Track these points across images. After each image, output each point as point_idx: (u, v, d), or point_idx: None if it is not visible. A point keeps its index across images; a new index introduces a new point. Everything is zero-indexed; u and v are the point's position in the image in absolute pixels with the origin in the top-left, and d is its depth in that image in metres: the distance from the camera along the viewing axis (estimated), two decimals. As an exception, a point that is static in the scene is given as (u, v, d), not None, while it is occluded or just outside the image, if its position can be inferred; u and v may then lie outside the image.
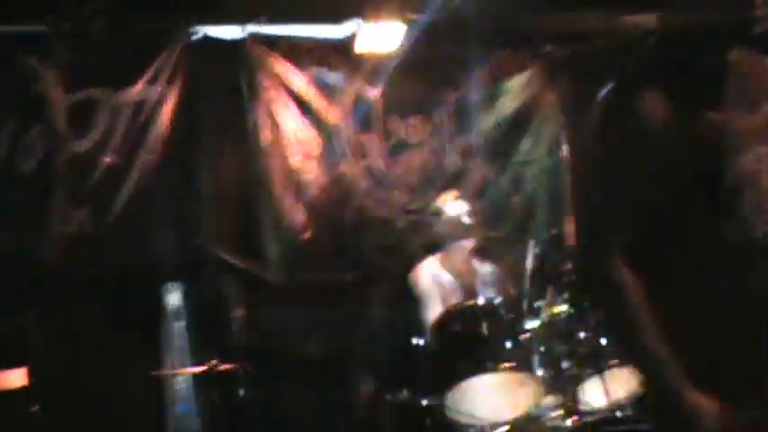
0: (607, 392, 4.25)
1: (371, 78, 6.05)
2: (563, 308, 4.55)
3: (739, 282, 2.17)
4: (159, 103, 5.46)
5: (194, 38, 5.58)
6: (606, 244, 2.11)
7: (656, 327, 2.15)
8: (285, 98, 5.85)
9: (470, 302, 4.78)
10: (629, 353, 2.34)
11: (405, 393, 4.69)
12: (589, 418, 4.40)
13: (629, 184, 2.05)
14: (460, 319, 4.63)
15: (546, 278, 5.18)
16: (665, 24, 5.64)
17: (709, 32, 2.12)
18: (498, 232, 6.10)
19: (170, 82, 5.47)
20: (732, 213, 2.06)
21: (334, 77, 6.02)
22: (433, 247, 5.40)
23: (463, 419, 4.44)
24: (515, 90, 6.46)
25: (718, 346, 2.17)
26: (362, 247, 5.95)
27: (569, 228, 6.25)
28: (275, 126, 5.83)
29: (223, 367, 4.67)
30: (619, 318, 2.27)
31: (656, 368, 2.17)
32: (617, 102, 2.06)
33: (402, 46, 5.84)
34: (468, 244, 5.33)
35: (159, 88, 5.46)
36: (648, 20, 6.27)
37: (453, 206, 5.39)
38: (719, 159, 2.01)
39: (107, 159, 5.33)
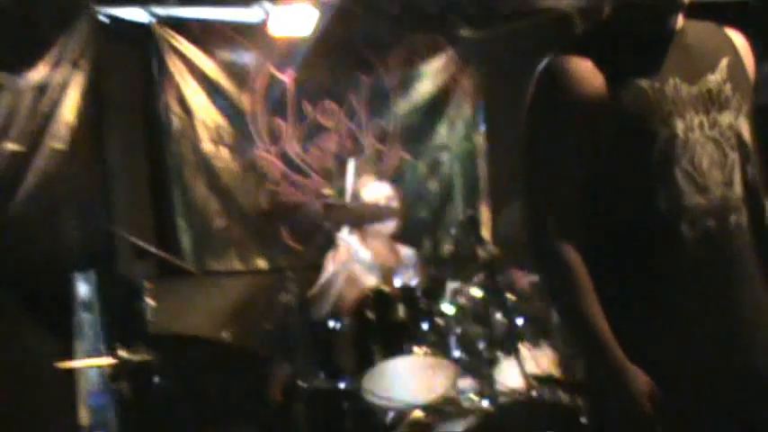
0: (523, 374, 4.23)
1: (284, 62, 5.96)
2: (478, 291, 4.54)
3: (672, 250, 2.14)
4: (64, 86, 5.26)
5: (101, 19, 5.42)
6: (543, 220, 2.08)
7: (596, 302, 2.12)
8: (195, 82, 5.73)
9: (387, 286, 4.73)
10: (570, 329, 2.29)
11: (320, 378, 4.63)
12: (505, 400, 4.38)
13: (564, 158, 2.03)
14: (377, 302, 4.57)
15: (462, 261, 5.17)
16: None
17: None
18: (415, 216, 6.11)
19: (75, 65, 5.28)
20: (664, 182, 2.04)
21: (245, 61, 5.91)
22: (352, 228, 5.33)
23: (380, 403, 4.39)
24: (431, 74, 6.43)
25: (655, 320, 2.14)
26: (277, 233, 5.88)
27: (485, 211, 6.28)
28: (186, 111, 5.71)
29: (136, 357, 4.55)
30: (561, 295, 2.22)
31: (595, 342, 2.14)
32: (550, 74, 2.05)
33: (315, 29, 5.75)
34: (388, 227, 5.28)
35: (63, 72, 5.26)
36: (569, 2, 6.31)
37: (372, 189, 5.34)
38: (653, 128, 1.99)
39: (9, 146, 5.13)
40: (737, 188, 2.23)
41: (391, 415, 4.42)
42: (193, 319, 5.38)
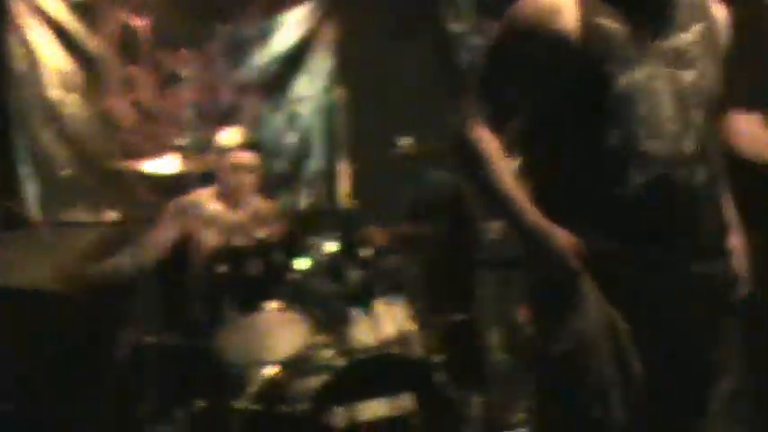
0: (378, 330, 4.20)
1: (138, 8, 5.73)
2: (334, 246, 4.47)
3: (620, 191, 2.15)
4: None
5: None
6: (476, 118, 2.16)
7: (512, 178, 2.21)
8: (41, 25, 5.45)
9: (241, 241, 4.60)
10: (487, 201, 2.35)
11: (171, 334, 4.50)
12: (361, 356, 4.34)
13: (519, 81, 2.09)
14: (230, 256, 4.45)
15: (319, 216, 5.10)
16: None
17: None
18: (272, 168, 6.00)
19: None
20: (619, 124, 2.06)
21: (97, 5, 5.65)
22: (206, 183, 5.18)
23: (234, 360, 4.29)
24: (292, 24, 6.29)
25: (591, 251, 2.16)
26: (129, 184, 5.66)
27: (344, 165, 6.19)
28: (31, 55, 5.43)
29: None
30: (476, 168, 2.28)
31: (512, 208, 2.20)
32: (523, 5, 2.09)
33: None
34: (245, 179, 5.14)
35: None
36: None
37: (228, 140, 5.19)
38: (615, 70, 2.02)
39: None
40: (691, 144, 2.26)
41: (246, 372, 4.33)
42: (36, 272, 5.14)
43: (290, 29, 6.26)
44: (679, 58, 2.28)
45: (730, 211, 2.48)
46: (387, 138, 5.46)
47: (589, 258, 2.16)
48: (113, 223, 5.24)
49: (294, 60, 6.28)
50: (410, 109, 6.10)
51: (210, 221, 5.00)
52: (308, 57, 6.32)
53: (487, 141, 2.25)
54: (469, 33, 6.33)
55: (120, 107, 5.71)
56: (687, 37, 2.31)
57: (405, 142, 5.03)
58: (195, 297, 4.59)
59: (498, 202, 2.28)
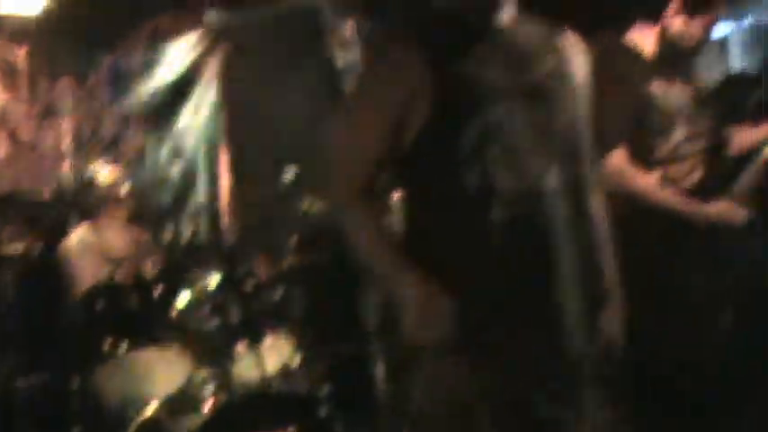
0: (261, 365, 4.14)
1: (18, 37, 5.60)
2: (216, 279, 4.41)
3: (482, 232, 2.13)
4: None
5: None
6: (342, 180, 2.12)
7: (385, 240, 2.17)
8: None
9: (121, 276, 4.51)
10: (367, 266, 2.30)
11: (44, 375, 4.37)
12: (242, 392, 4.28)
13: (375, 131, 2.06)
14: (108, 293, 4.35)
15: (202, 248, 5.04)
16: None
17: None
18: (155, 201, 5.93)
19: None
20: (476, 164, 2.04)
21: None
22: (88, 216, 5.08)
23: (112, 399, 4.18)
24: (176, 56, 6.22)
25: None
26: (7, 218, 5.51)
27: (225, 198, 6.15)
28: None
29: None
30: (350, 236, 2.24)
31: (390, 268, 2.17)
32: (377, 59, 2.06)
33: (52, 3, 5.43)
34: (122, 213, 5.05)
35: None
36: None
37: (106, 174, 5.09)
38: (471, 112, 2.00)
39: None
40: (554, 176, 2.24)
41: (124, 411, 4.22)
42: None
43: (175, 59, 6.19)
44: (536, 94, 2.26)
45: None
46: (271, 168, 5.44)
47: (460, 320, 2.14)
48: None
49: (179, 91, 6.21)
50: (296, 139, 6.09)
51: (95, 255, 4.90)
52: (193, 88, 6.26)
53: (362, 205, 2.22)
54: (355, 64, 6.35)
55: (-2, 139, 5.57)
56: (541, 71, 2.29)
57: (289, 173, 5.01)
58: (75, 333, 4.47)
59: (378, 262, 2.24)
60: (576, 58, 2.42)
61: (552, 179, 2.25)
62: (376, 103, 2.23)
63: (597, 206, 2.40)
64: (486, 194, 2.18)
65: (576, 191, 2.32)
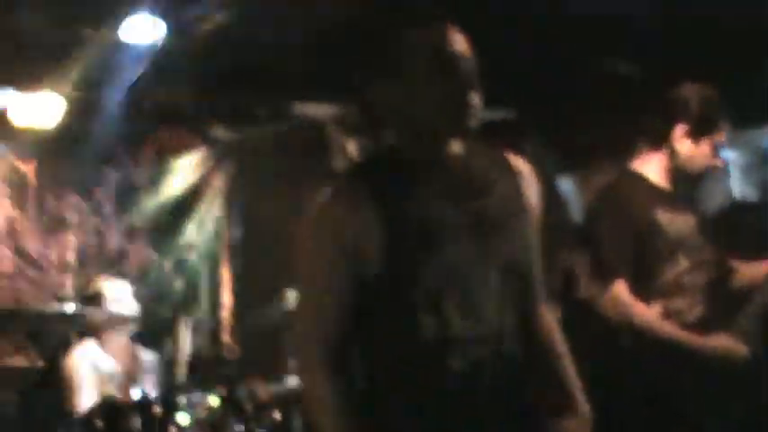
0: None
1: (26, 152, 5.67)
2: (216, 400, 4.38)
3: (439, 381, 2.08)
4: None
5: None
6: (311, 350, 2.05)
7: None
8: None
9: (122, 397, 4.48)
10: None
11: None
12: None
13: (332, 292, 2.00)
14: (107, 412, 4.31)
15: (203, 367, 5.01)
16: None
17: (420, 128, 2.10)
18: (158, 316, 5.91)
19: None
20: (432, 312, 1.96)
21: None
22: (91, 332, 5.05)
23: None
24: (181, 172, 6.29)
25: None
26: (11, 332, 5.50)
27: (226, 315, 6.15)
28: None
29: None
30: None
31: None
32: (316, 216, 2.04)
33: (60, 120, 5.51)
34: (128, 329, 5.03)
35: None
36: (319, 109, 6.37)
37: (112, 289, 5.09)
38: (420, 257, 1.93)
39: None
40: (510, 316, 2.18)
41: None
42: None
43: (179, 176, 6.26)
44: (486, 226, 2.18)
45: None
46: (275, 286, 5.44)
47: None
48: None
49: (183, 207, 6.26)
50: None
51: (100, 372, 4.86)
52: (198, 203, 6.31)
53: (334, 379, 2.16)
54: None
55: (3, 252, 5.58)
56: (490, 202, 2.21)
57: (292, 296, 5.00)
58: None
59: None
60: (527, 181, 2.33)
61: (510, 316, 2.18)
62: (324, 252, 2.15)
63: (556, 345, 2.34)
64: (443, 343, 2.11)
65: (531, 328, 2.27)
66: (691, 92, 3.61)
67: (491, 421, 2.16)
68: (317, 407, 2.15)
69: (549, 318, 2.34)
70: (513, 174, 2.30)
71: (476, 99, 2.16)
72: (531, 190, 2.32)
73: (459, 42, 2.21)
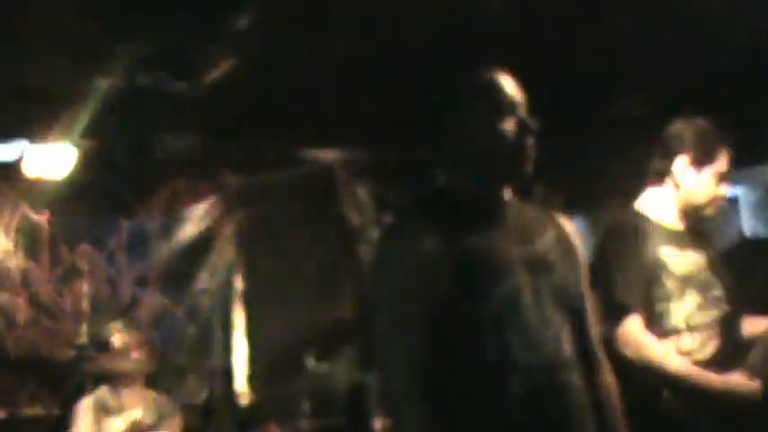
0: None
1: (38, 203, 5.70)
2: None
3: (500, 405, 2.15)
4: None
5: None
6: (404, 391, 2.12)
7: None
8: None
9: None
10: None
11: None
12: None
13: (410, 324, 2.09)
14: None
15: (217, 411, 5.02)
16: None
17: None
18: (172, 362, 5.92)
19: None
20: (495, 338, 2.06)
21: (-2, 201, 5.61)
22: (102, 379, 5.06)
23: None
24: (194, 218, 6.31)
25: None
26: (26, 381, 5.51)
27: (240, 358, 6.14)
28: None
29: None
30: None
31: None
32: (385, 240, 2.14)
33: (72, 171, 5.54)
34: (139, 375, 5.05)
35: None
36: (331, 154, 6.41)
37: (120, 337, 5.12)
38: (484, 287, 2.06)
39: None
40: (566, 347, 2.27)
41: None
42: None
43: (191, 224, 6.27)
44: (540, 265, 2.30)
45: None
46: (287, 330, 5.45)
47: None
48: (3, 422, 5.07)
49: (195, 254, 6.27)
50: (309, 301, 6.13)
51: (105, 417, 4.87)
52: (208, 251, 6.32)
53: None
54: (369, 225, 6.42)
55: (17, 302, 5.60)
56: (543, 244, 2.35)
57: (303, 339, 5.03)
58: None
59: None
60: (571, 232, 2.49)
61: (566, 348, 2.27)
62: (394, 277, 2.24)
63: (607, 377, 2.43)
64: (505, 367, 2.19)
65: (586, 361, 2.34)
66: (686, 124, 3.64)
67: None
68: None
69: (610, 380, 2.45)
70: (560, 225, 2.47)
71: (531, 143, 2.31)
72: (578, 243, 2.49)
73: (515, 87, 2.36)
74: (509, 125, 2.30)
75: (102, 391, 4.98)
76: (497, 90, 2.33)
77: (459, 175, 2.38)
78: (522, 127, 2.30)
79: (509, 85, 2.35)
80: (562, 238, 2.43)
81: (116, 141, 5.59)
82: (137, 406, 5.01)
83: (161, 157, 5.90)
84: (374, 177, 6.52)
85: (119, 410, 4.94)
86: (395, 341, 2.23)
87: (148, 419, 4.94)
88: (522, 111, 2.33)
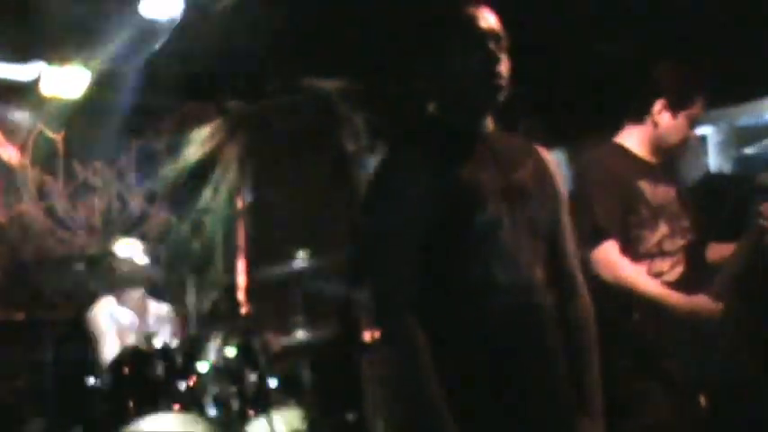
0: (273, 430, 4.20)
1: (55, 121, 5.75)
2: (233, 351, 4.50)
3: (481, 319, 2.24)
4: None
5: None
6: (388, 300, 2.17)
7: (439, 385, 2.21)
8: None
9: (146, 345, 4.58)
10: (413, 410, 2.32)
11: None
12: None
13: (401, 241, 2.14)
14: (134, 360, 4.44)
15: (219, 321, 5.11)
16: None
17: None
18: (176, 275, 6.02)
19: None
20: (479, 260, 2.14)
21: (16, 117, 5.65)
22: (111, 288, 5.16)
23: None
24: (199, 141, 6.36)
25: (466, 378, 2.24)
26: (40, 286, 5.60)
27: (243, 273, 6.25)
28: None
29: None
30: (410, 380, 2.27)
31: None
32: (382, 168, 2.19)
33: (87, 92, 5.58)
34: (143, 284, 5.15)
35: None
36: (330, 84, 6.44)
37: (126, 248, 5.22)
38: (471, 213, 2.12)
39: None
40: (539, 272, 2.35)
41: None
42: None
43: (197, 145, 6.34)
44: (520, 195, 2.36)
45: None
46: (284, 249, 5.54)
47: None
48: (20, 323, 5.18)
49: (201, 174, 6.35)
50: (308, 222, 6.22)
51: (120, 324, 4.98)
52: (213, 171, 6.40)
53: (416, 333, 2.22)
54: (363, 152, 6.48)
55: (34, 213, 5.68)
56: (523, 175, 2.40)
57: (301, 255, 5.11)
58: (99, 398, 4.54)
59: (425, 413, 2.23)
60: (550, 163, 2.53)
61: (538, 271, 2.36)
62: (396, 202, 2.31)
63: (584, 300, 2.52)
64: (485, 287, 2.29)
65: (563, 284, 2.45)
66: (667, 69, 3.72)
67: (523, 358, 2.32)
68: (403, 351, 2.26)
69: (586, 302, 2.52)
70: (540, 157, 2.51)
71: (505, 73, 2.33)
72: (557, 173, 2.53)
73: (491, 19, 2.37)
74: (479, 57, 2.32)
75: (108, 299, 5.08)
76: (470, 22, 2.34)
77: (442, 108, 2.42)
78: (492, 57, 2.31)
79: (483, 18, 2.36)
80: (540, 169, 2.47)
81: (128, 66, 5.62)
82: (138, 313, 5.12)
83: (170, 82, 5.94)
84: (370, 107, 6.57)
85: (122, 317, 5.05)
86: (386, 257, 2.32)
87: (152, 327, 5.05)
88: (495, 42, 2.34)
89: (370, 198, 2.43)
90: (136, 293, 5.14)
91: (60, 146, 5.78)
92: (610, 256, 3.51)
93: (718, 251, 3.80)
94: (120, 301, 5.10)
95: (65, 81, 5.54)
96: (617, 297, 3.49)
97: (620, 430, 2.81)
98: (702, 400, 3.59)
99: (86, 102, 5.68)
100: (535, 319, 2.34)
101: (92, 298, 5.15)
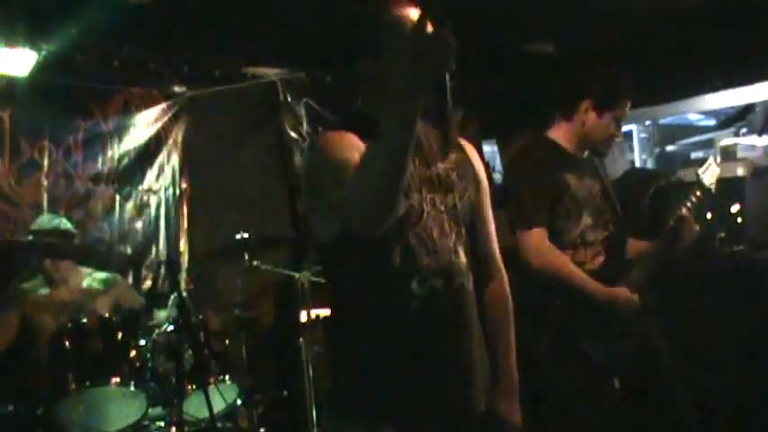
0: (209, 405, 4.18)
1: (3, 100, 5.61)
2: (172, 326, 4.46)
3: (404, 303, 2.24)
4: None
5: None
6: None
7: None
8: None
9: (86, 318, 4.52)
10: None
11: (14, 406, 4.34)
12: (192, 429, 4.32)
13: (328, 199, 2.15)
14: (75, 333, 4.37)
15: (160, 298, 5.08)
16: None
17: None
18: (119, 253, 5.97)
19: None
20: (401, 244, 2.14)
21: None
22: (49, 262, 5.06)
23: (74, 430, 4.19)
24: (145, 123, 6.29)
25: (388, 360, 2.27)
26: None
27: (183, 253, 6.21)
28: None
29: None
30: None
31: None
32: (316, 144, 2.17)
33: (34, 72, 5.46)
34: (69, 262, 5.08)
35: None
36: (272, 72, 6.42)
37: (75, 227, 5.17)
38: None
39: None
40: (462, 256, 2.36)
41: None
42: None
43: (143, 127, 6.26)
44: (442, 184, 2.37)
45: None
46: (225, 230, 5.51)
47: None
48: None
49: (146, 155, 6.27)
50: (250, 205, 6.20)
51: (46, 303, 4.90)
52: (158, 153, 6.33)
53: None
54: (303, 139, 6.48)
55: (-20, 190, 5.55)
56: (445, 165, 2.40)
57: (241, 236, 5.09)
58: (39, 370, 4.47)
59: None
60: (472, 154, 2.54)
61: (461, 256, 2.37)
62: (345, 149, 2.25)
63: (501, 285, 2.55)
64: (408, 270, 2.28)
65: (482, 269, 2.48)
66: (594, 71, 3.76)
67: (443, 340, 2.32)
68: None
69: (504, 286, 2.55)
70: (462, 149, 2.51)
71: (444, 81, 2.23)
72: (479, 164, 2.54)
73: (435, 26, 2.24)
74: (425, 64, 2.14)
75: (47, 264, 4.99)
76: (399, 21, 2.28)
77: (368, 104, 2.40)
78: (437, 67, 2.13)
79: (412, 17, 2.27)
80: (462, 159, 2.48)
81: (75, 47, 5.52)
82: (77, 288, 5.05)
83: (119, 65, 5.86)
84: (311, 96, 6.55)
85: (63, 282, 4.97)
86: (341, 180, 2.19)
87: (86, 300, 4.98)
88: (441, 51, 2.13)
89: (312, 156, 2.40)
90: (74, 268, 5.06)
91: (7, 124, 5.64)
92: (538, 243, 3.56)
93: (635, 247, 3.86)
94: (58, 277, 5.01)
95: (11, 61, 5.39)
96: (541, 282, 3.54)
97: (537, 410, 2.85)
98: (616, 382, 3.66)
99: (35, 82, 5.55)
100: (458, 302, 2.35)
101: (36, 273, 5.06)
